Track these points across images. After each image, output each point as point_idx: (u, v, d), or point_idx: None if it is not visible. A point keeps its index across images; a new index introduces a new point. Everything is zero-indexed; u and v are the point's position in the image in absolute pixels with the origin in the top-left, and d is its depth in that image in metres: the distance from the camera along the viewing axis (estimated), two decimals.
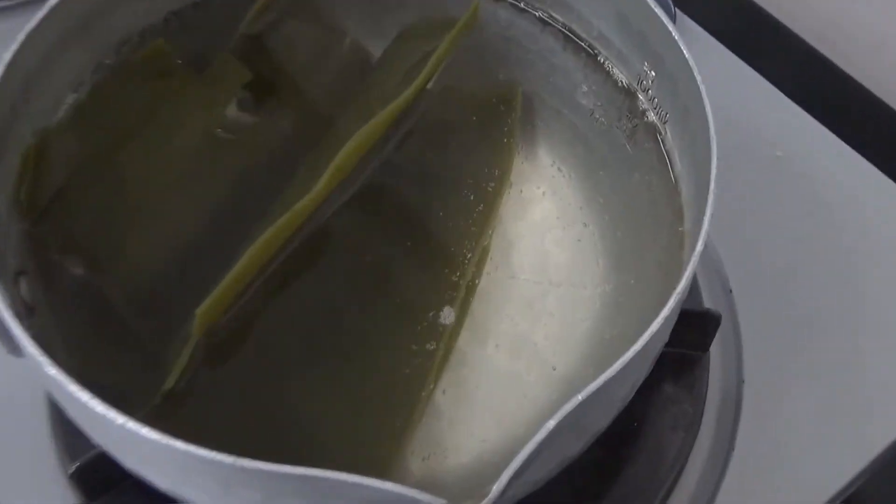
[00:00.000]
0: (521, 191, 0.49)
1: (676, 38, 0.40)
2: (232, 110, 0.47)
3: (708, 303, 0.49)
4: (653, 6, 0.41)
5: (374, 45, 0.50)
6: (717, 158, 0.36)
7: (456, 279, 0.44)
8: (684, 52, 0.39)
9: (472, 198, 0.46)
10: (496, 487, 0.28)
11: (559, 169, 0.49)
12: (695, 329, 0.45)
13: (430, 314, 0.42)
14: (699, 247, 0.34)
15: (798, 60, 0.68)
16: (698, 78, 0.38)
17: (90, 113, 0.43)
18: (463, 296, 0.43)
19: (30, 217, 0.39)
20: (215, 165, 0.45)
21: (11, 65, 0.37)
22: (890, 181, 0.56)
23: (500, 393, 0.42)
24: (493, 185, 0.47)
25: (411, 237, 0.45)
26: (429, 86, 0.48)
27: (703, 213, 0.34)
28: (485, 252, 0.46)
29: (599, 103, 0.47)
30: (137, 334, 0.39)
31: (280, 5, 0.49)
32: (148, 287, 0.40)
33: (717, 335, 0.46)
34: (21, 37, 0.37)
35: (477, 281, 0.45)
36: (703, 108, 0.37)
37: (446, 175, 0.47)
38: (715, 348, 0.48)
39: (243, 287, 0.40)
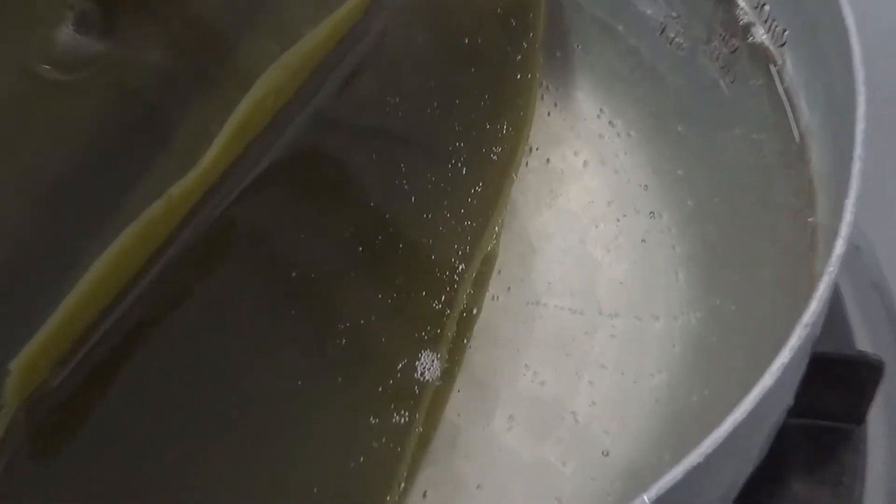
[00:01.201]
0: (549, 160, 0.50)
1: None
2: (66, 33, 0.47)
3: (862, 342, 0.50)
4: None
5: None
6: (868, 104, 0.36)
7: (440, 307, 0.45)
8: None
9: (464, 172, 0.48)
10: None
11: (610, 123, 0.51)
12: (840, 386, 0.46)
13: (400, 365, 0.43)
14: (839, 248, 0.34)
15: None
16: None
17: None
18: (453, 335, 0.45)
19: None
20: (40, 123, 0.46)
21: None
22: None
23: (517, 495, 0.43)
24: (500, 150, 0.48)
25: (365, 239, 0.46)
26: None
27: (845, 193, 0.35)
28: (488, 262, 0.47)
29: (675, 14, 0.48)
30: None
31: None
32: None
33: (880, 395, 0.47)
34: None
35: (476, 311, 0.46)
36: (842, 18, 0.38)
37: (421, 135, 0.48)
38: (876, 418, 0.48)
39: (89, 322, 0.41)
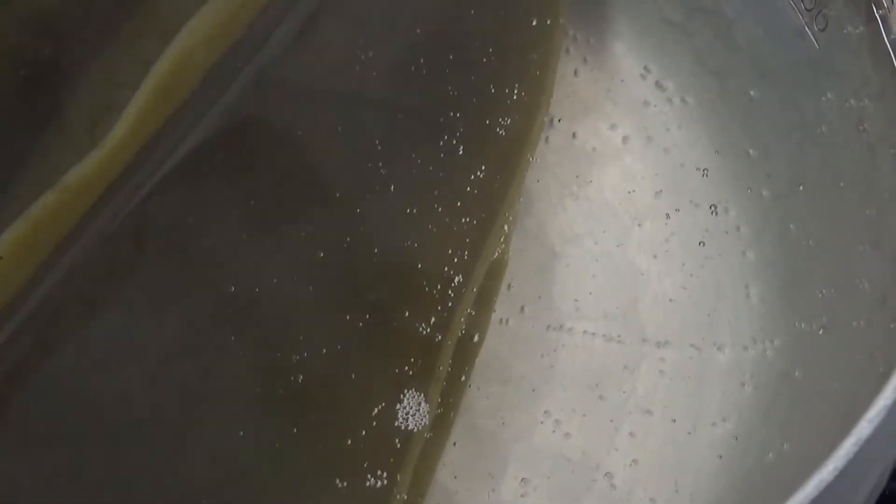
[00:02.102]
0: (576, 135, 0.48)
1: None
2: None
3: None
4: None
5: None
6: None
7: (429, 332, 0.43)
8: None
9: (461, 152, 0.46)
10: None
11: (658, 85, 0.49)
12: None
13: (375, 410, 0.42)
14: None
15: None
16: None
17: None
18: (447, 370, 0.43)
19: None
20: None
21: None
22: None
23: None
24: (509, 122, 0.46)
25: (327, 241, 0.44)
26: None
27: None
28: (495, 274, 0.45)
29: None
30: None
31: None
32: None
33: None
34: None
35: (478, 338, 0.44)
36: None
37: (403, 102, 0.47)
38: None
39: None
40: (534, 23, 0.48)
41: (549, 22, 0.48)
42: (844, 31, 0.43)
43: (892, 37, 0.42)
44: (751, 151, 0.46)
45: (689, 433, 0.43)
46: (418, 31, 0.47)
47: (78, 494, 0.39)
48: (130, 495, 0.40)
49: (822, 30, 0.44)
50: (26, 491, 0.39)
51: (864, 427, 0.30)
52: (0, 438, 0.39)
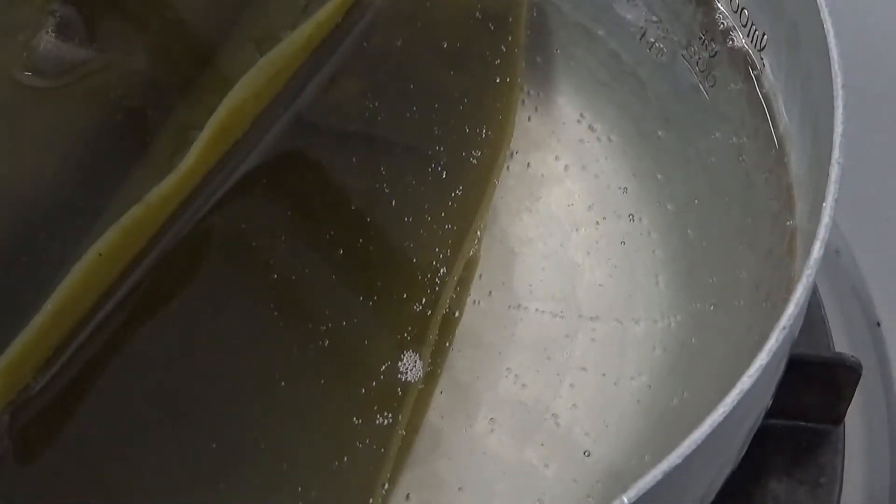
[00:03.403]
0: (529, 164, 0.51)
1: None
2: (47, 40, 0.47)
3: (840, 345, 0.51)
4: None
5: None
6: (847, 107, 0.36)
7: (420, 309, 0.45)
8: None
9: (444, 176, 0.48)
10: None
11: (591, 127, 0.51)
12: (818, 388, 0.46)
13: (383, 367, 0.44)
14: (817, 252, 0.34)
15: None
16: None
17: None
18: (435, 338, 0.45)
19: None
20: (20, 129, 0.46)
21: None
22: None
23: (499, 497, 0.44)
24: (480, 154, 0.49)
25: (346, 242, 0.46)
26: None
27: (823, 198, 0.35)
28: (470, 266, 0.47)
29: (655, 18, 0.49)
30: None
31: None
32: None
33: (857, 396, 0.47)
34: None
35: (457, 313, 0.47)
36: (821, 22, 0.39)
37: (401, 139, 0.49)
38: (854, 419, 0.49)
39: (70, 328, 0.41)
40: (497, 81, 0.50)
41: (509, 80, 0.50)
42: (728, 87, 0.46)
43: (764, 91, 0.44)
44: (658, 176, 0.48)
45: (615, 384, 0.45)
46: (412, 86, 0.50)
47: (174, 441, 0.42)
48: (192, 423, 0.42)
49: (712, 86, 0.47)
50: (119, 457, 0.41)
51: (746, 381, 0.31)
52: (95, 408, 0.41)
